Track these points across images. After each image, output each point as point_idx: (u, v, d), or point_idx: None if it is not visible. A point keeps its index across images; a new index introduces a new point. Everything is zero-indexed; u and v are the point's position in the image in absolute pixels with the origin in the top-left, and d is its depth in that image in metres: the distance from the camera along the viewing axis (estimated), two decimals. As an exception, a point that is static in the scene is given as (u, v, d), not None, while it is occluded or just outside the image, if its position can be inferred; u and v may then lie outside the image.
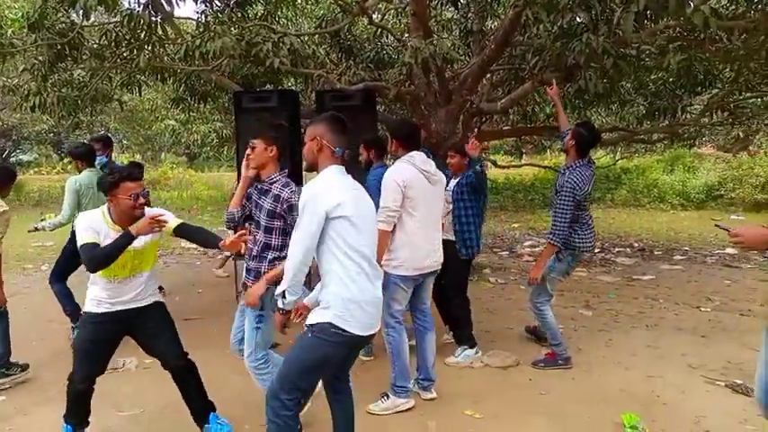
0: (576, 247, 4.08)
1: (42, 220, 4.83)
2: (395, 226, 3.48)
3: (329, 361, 2.50)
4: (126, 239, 2.82)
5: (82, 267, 3.52)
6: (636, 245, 9.88)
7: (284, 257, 2.75)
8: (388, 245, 3.48)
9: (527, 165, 14.48)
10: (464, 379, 4.12)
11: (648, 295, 6.42)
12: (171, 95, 9.22)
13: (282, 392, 2.45)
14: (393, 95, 6.32)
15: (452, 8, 7.39)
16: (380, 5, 8.06)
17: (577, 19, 5.00)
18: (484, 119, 8.55)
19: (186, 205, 16.80)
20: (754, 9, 4.75)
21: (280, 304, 2.55)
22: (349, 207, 2.42)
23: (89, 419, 3.20)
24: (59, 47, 5.69)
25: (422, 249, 3.57)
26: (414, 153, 3.58)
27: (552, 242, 4.00)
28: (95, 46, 6.18)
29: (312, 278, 3.44)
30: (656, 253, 9.13)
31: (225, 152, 14.92)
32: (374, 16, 7.23)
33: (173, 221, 3.05)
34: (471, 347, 4.41)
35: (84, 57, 6.13)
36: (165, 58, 6.12)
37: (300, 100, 6.77)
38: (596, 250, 8.89)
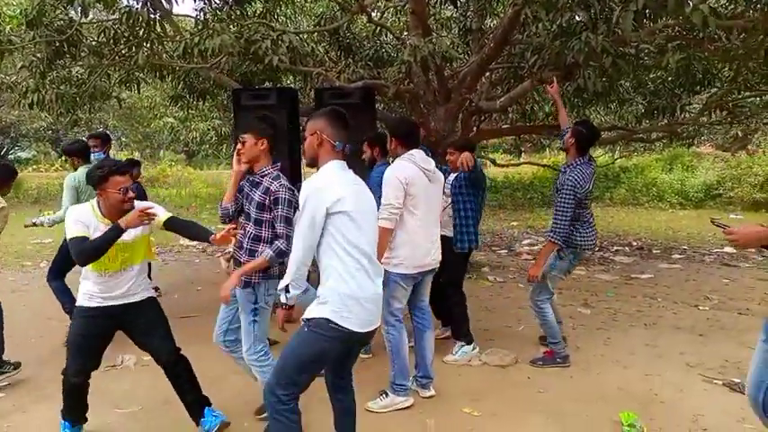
0: (577, 245, 4.08)
1: (41, 215, 4.83)
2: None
3: (325, 356, 2.49)
4: (115, 232, 2.83)
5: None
6: (634, 243, 9.89)
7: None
8: (389, 243, 3.48)
9: (526, 163, 14.51)
10: (462, 377, 4.13)
11: (647, 294, 6.43)
12: (170, 93, 9.22)
13: (278, 388, 2.44)
14: (392, 94, 6.32)
15: (452, 6, 7.38)
16: (380, 3, 8.06)
17: (576, 18, 5.00)
18: (483, 117, 8.54)
19: (185, 203, 16.79)
20: (753, 8, 4.74)
21: (283, 299, 2.53)
22: (349, 202, 2.40)
23: (87, 416, 3.21)
24: (58, 44, 5.67)
25: (422, 247, 3.57)
26: (414, 151, 3.58)
27: (553, 240, 4.00)
28: (94, 43, 6.17)
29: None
30: (654, 252, 9.14)
31: (224, 150, 14.89)
32: (373, 14, 7.22)
33: (163, 215, 3.07)
34: (468, 343, 4.42)
35: (82, 54, 6.12)
36: (164, 55, 6.11)
37: (299, 98, 6.77)
38: (595, 249, 8.89)
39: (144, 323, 3.14)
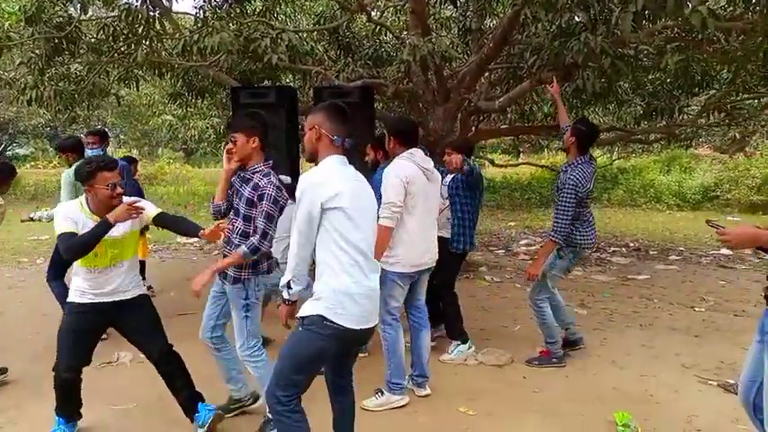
0: (577, 244, 4.08)
1: (38, 210, 4.82)
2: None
3: (323, 355, 2.45)
4: (103, 227, 2.83)
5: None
6: (631, 244, 9.91)
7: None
8: (387, 241, 3.48)
9: (524, 164, 14.54)
10: (458, 376, 4.13)
11: (643, 295, 6.44)
12: (168, 91, 9.22)
13: (278, 389, 2.42)
14: (391, 93, 6.33)
15: (451, 6, 7.38)
16: (379, 3, 8.07)
17: (576, 18, 5.01)
18: (482, 117, 8.56)
19: (183, 201, 16.76)
20: (752, 10, 4.75)
21: (285, 295, 2.51)
22: (346, 198, 2.37)
23: (81, 412, 3.21)
24: (57, 41, 5.67)
25: (419, 246, 3.58)
26: (413, 150, 3.58)
27: (553, 238, 3.99)
28: (93, 40, 6.17)
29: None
30: (651, 253, 9.16)
31: (222, 148, 14.86)
32: (373, 13, 7.22)
33: (153, 210, 3.09)
34: (464, 342, 4.43)
35: (81, 51, 6.12)
36: (163, 53, 6.11)
37: (298, 96, 6.77)
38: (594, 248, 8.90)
39: (135, 320, 3.14)
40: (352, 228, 2.39)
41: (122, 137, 24.89)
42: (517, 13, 5.44)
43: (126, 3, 5.19)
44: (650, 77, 7.48)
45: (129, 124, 21.00)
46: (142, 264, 5.38)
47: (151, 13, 5.20)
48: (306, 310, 2.42)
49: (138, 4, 5.11)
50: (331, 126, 2.48)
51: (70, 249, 2.83)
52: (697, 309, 5.89)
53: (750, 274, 7.51)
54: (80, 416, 3.22)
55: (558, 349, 4.29)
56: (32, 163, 25.61)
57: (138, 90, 8.59)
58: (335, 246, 2.38)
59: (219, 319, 3.29)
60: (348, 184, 2.43)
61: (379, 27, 6.83)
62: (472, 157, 5.01)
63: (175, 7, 5.65)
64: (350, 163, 2.56)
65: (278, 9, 7.27)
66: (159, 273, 7.34)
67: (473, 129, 8.21)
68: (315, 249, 2.45)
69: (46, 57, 5.79)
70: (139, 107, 16.35)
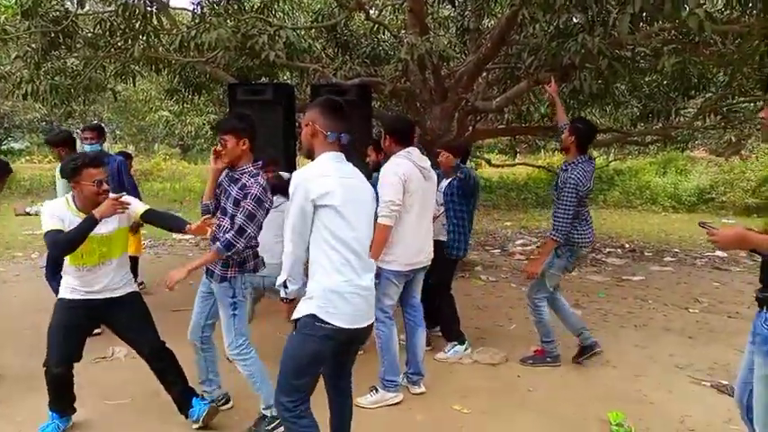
0: (574, 243, 4.08)
1: (33, 204, 4.80)
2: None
3: (319, 356, 2.41)
4: (89, 223, 2.82)
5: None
6: (627, 246, 9.94)
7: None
8: (383, 240, 3.48)
9: (521, 164, 14.54)
10: (453, 374, 4.14)
11: (638, 296, 6.47)
12: (165, 86, 9.19)
13: (282, 395, 2.40)
14: (388, 91, 6.33)
15: (449, 6, 7.39)
16: (378, 1, 8.06)
17: (573, 19, 5.03)
18: (479, 117, 8.57)
19: (179, 197, 16.71)
20: (749, 14, 4.78)
21: (282, 294, 2.51)
22: (338, 196, 2.32)
23: (75, 407, 3.21)
24: (53, 35, 5.65)
25: (415, 245, 3.58)
26: (410, 149, 3.59)
27: (554, 237, 3.99)
28: (89, 35, 6.15)
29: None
30: (646, 254, 9.19)
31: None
32: (371, 12, 7.22)
33: (140, 207, 3.09)
34: (461, 343, 4.43)
35: (77, 45, 6.10)
36: (160, 48, 6.09)
37: (296, 94, 6.76)
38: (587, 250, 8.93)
39: (126, 317, 3.15)
40: (344, 226, 2.35)
41: (119, 132, 24.79)
42: (515, 13, 5.44)
43: (123, -3, 5.17)
44: (647, 79, 7.51)
45: (125, 120, 20.93)
46: (135, 260, 5.36)
47: (148, 9, 5.18)
48: (300, 311, 2.40)
49: (136, -1, 5.10)
50: (325, 122, 2.45)
51: (57, 245, 2.83)
52: (691, 310, 5.92)
53: (744, 276, 7.54)
54: (74, 410, 3.21)
55: (553, 348, 4.30)
56: (28, 157, 25.45)
57: (134, 86, 8.59)
58: (326, 244, 2.35)
59: (209, 319, 3.29)
60: (341, 181, 2.38)
61: (377, 25, 6.83)
62: (469, 160, 5.00)
63: (173, 3, 5.65)
64: (348, 160, 2.52)
65: (276, 6, 7.24)
66: (155, 269, 7.32)
67: (470, 128, 8.22)
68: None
69: (42, 51, 5.77)
70: (136, 103, 16.30)
